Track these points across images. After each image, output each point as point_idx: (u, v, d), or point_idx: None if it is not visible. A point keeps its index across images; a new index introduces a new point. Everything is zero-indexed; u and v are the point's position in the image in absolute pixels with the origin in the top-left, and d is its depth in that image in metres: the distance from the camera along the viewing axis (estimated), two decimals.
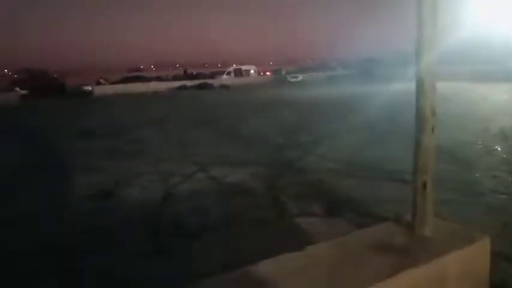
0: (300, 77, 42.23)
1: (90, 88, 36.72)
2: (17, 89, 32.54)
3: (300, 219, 4.13)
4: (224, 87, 37.50)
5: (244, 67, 46.29)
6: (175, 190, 5.46)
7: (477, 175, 5.23)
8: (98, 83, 42.70)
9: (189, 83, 40.13)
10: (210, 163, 6.84)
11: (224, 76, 43.98)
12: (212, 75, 47.06)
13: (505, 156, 6.19)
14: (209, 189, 5.44)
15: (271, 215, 4.34)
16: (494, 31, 31.02)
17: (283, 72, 49.00)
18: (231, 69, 45.30)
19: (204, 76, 47.20)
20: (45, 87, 33.45)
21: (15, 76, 43.40)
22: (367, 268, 2.03)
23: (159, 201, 5.02)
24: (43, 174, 6.87)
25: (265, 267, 2.08)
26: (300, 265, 2.09)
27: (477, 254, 2.21)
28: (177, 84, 40.12)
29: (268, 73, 53.36)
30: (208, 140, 9.43)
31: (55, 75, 44.18)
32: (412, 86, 2.26)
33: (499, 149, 6.67)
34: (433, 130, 2.07)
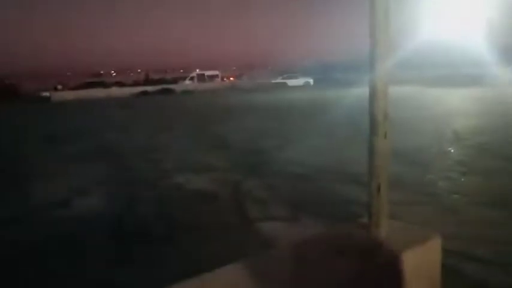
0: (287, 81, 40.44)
1: (48, 94, 35.60)
2: None
3: (263, 223, 4.15)
4: (187, 92, 37.25)
5: (207, 72, 46.05)
6: (138, 196, 5.37)
7: (432, 176, 5.43)
8: (55, 89, 41.47)
9: (150, 88, 39.63)
10: (173, 169, 6.77)
11: (187, 81, 43.62)
12: (174, 81, 46.61)
13: (458, 157, 6.46)
14: (173, 195, 5.39)
15: (235, 220, 4.34)
16: (453, 37, 32.55)
17: (245, 77, 49.18)
18: (194, 74, 44.96)
19: (166, 81, 46.72)
20: None
21: None
22: (325, 270, 2.07)
23: (122, 208, 4.92)
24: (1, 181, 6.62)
25: (227, 272, 2.08)
26: (260, 269, 2.10)
27: (430, 253, 2.30)
28: (138, 89, 39.54)
29: (231, 78, 53.42)
30: (171, 145, 9.32)
31: (8, 81, 42.50)
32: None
33: (452, 150, 6.97)
34: (385, 134, 2.13)
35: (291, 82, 39.81)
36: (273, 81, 40.94)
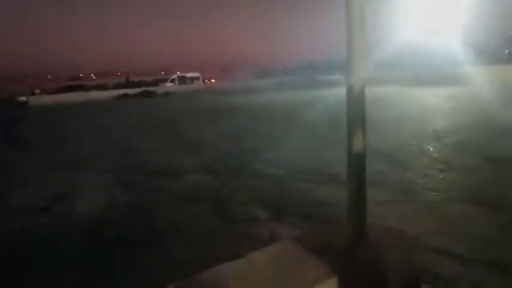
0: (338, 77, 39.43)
1: (25, 98, 35.03)
2: None
3: (246, 225, 4.13)
4: (168, 95, 37.05)
5: (188, 74, 45.96)
6: (120, 201, 5.30)
7: (411, 174, 5.49)
8: (33, 93, 40.83)
9: (131, 91, 39.31)
10: (154, 172, 6.70)
11: (168, 84, 43.42)
12: (155, 83, 46.37)
13: (437, 155, 6.54)
14: (155, 198, 5.33)
15: (217, 222, 4.31)
16: (431, 38, 33.28)
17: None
18: (174, 76, 44.79)
19: (147, 84, 46.46)
20: None
21: None
22: (306, 271, 2.06)
23: (104, 212, 4.84)
24: None
25: (211, 276, 2.05)
26: (242, 272, 2.08)
27: (409, 251, 2.31)
28: (118, 92, 39.17)
29: (213, 80, 53.40)
30: (152, 148, 9.23)
31: None
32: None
33: (431, 149, 7.05)
34: (363, 134, 2.13)
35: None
36: (332, 77, 39.97)
